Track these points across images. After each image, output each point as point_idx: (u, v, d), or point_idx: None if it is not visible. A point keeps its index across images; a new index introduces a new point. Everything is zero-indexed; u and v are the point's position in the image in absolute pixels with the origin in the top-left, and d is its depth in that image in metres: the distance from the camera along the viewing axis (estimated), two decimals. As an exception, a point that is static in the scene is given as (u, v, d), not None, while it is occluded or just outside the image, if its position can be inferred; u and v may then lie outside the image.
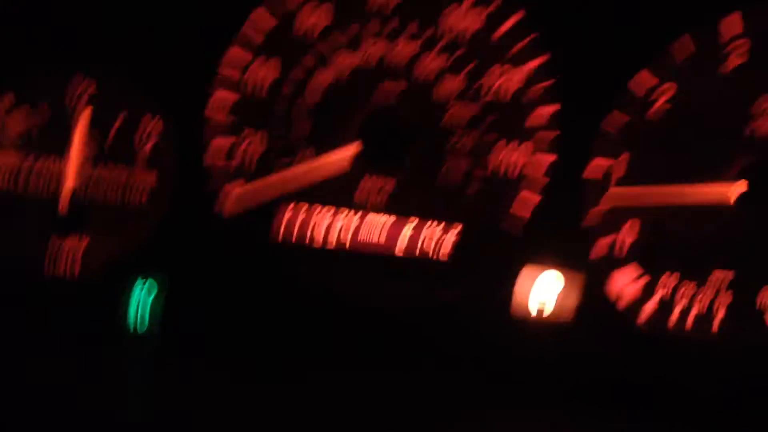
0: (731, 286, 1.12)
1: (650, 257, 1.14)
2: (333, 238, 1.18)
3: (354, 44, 1.17)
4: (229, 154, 1.20)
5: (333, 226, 1.19)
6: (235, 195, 1.19)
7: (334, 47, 1.18)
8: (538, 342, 1.14)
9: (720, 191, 1.11)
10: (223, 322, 1.18)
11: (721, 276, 1.12)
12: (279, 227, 1.19)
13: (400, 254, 1.18)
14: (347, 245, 1.19)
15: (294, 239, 1.19)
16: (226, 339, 1.15)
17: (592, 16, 1.14)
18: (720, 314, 1.12)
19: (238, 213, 1.19)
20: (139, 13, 1.20)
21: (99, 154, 1.22)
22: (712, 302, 1.13)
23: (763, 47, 1.11)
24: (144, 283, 1.15)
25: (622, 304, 1.15)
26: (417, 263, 1.18)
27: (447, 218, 1.17)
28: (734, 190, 1.11)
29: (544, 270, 1.16)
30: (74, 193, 1.20)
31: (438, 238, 1.18)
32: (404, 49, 1.16)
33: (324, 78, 1.18)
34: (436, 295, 1.18)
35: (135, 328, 1.13)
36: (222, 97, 1.19)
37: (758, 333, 1.11)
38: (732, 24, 1.12)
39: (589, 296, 1.14)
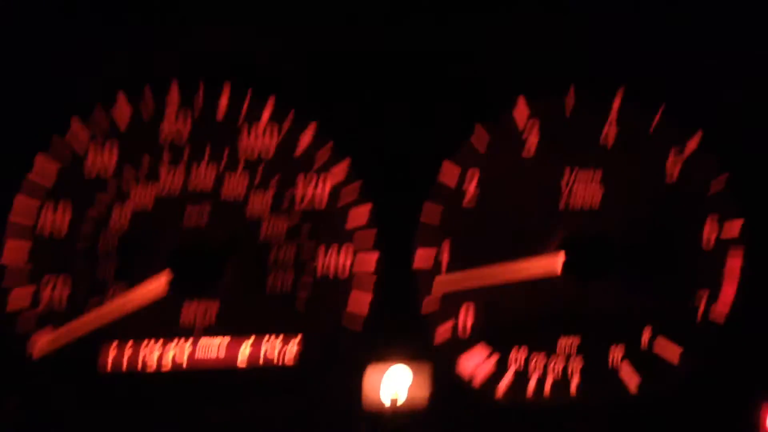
0: (580, 350, 1.19)
1: (495, 335, 1.18)
2: (168, 363, 1.15)
3: (151, 176, 1.12)
4: (33, 302, 1.12)
5: (165, 354, 1.15)
6: (46, 341, 1.11)
7: (130, 181, 1.12)
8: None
9: (546, 263, 1.16)
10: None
11: (568, 342, 1.19)
12: (105, 362, 1.15)
13: (243, 366, 1.15)
14: (184, 365, 1.15)
15: (124, 370, 1.14)
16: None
17: (382, 118, 1.14)
18: (575, 378, 1.20)
19: (54, 356, 1.12)
20: None
21: None
22: (565, 368, 1.20)
23: (552, 127, 1.16)
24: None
25: (477, 382, 1.18)
26: (262, 372, 1.16)
27: (283, 329, 1.16)
28: (559, 260, 1.15)
29: (390, 362, 1.16)
30: None
31: (280, 349, 1.16)
32: (205, 173, 1.13)
33: (124, 212, 1.12)
34: (287, 402, 1.17)
35: None
36: (15, 246, 1.10)
37: (615, 391, 1.19)
38: (520, 108, 1.16)
39: (441, 380, 1.16)
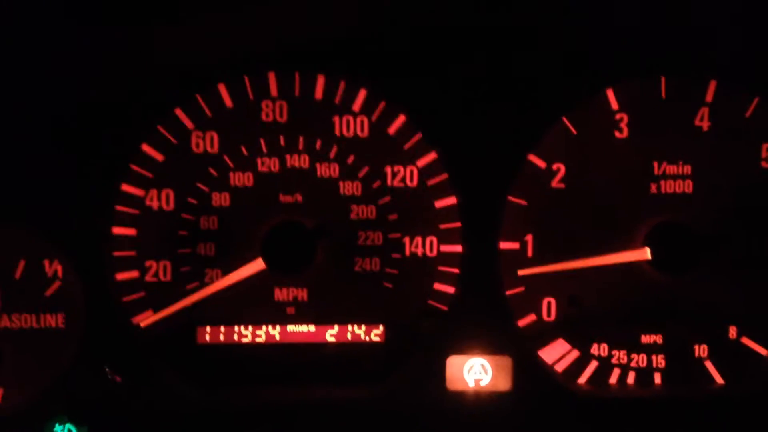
0: (662, 348, 1.19)
1: (579, 321, 1.19)
2: (262, 335, 1.21)
3: (246, 164, 1.17)
4: (136, 287, 1.18)
5: (259, 328, 1.21)
6: (152, 312, 1.19)
7: (227, 169, 1.17)
8: (479, 414, 1.18)
9: (634, 255, 1.16)
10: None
11: (650, 339, 1.19)
12: (203, 334, 1.21)
13: (333, 340, 1.20)
14: (277, 338, 1.21)
15: (221, 341, 1.21)
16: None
17: (471, 110, 1.15)
18: (660, 367, 1.20)
19: (158, 326, 1.19)
20: (27, 163, 1.16)
21: (3, 304, 1.18)
22: (648, 364, 1.20)
23: (644, 112, 1.15)
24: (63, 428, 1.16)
25: (561, 367, 1.20)
26: (351, 348, 1.20)
27: (371, 311, 1.20)
28: (647, 253, 1.15)
29: (475, 344, 1.18)
30: None
31: (366, 330, 1.20)
32: (298, 162, 1.17)
33: (221, 199, 1.17)
34: (373, 379, 1.20)
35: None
36: (121, 233, 1.17)
37: (697, 388, 1.19)
38: (613, 93, 1.16)
39: (525, 363, 1.18)
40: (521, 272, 1.17)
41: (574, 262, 1.16)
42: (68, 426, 1.15)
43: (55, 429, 1.16)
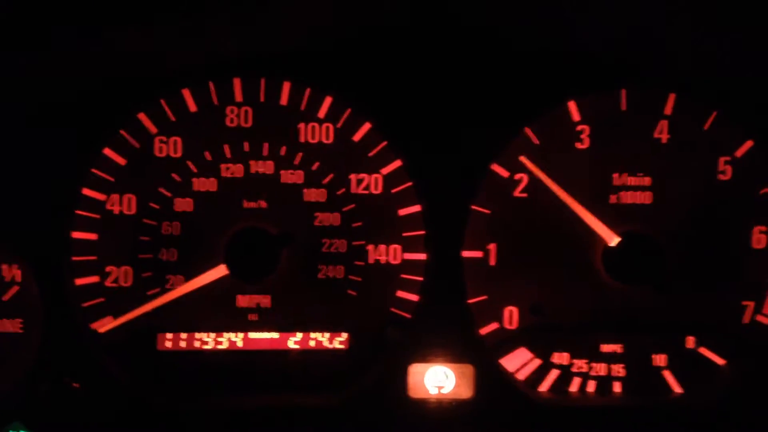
0: (622, 357, 1.21)
1: (536, 340, 1.21)
2: (224, 342, 1.20)
3: (210, 170, 1.17)
4: (95, 292, 1.17)
5: (221, 335, 1.21)
6: (111, 317, 1.17)
7: (190, 174, 1.17)
8: (440, 421, 1.19)
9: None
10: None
11: (610, 349, 1.21)
12: (164, 341, 1.20)
13: (295, 347, 1.20)
14: (239, 344, 1.20)
15: (181, 348, 1.20)
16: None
17: (435, 119, 1.16)
18: (620, 376, 1.22)
19: (117, 332, 1.17)
20: None
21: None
22: (608, 371, 1.21)
23: (605, 124, 1.18)
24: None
25: (522, 375, 1.21)
26: (313, 355, 1.20)
27: (334, 317, 1.20)
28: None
29: (438, 352, 1.19)
30: None
31: (329, 338, 1.21)
32: (262, 168, 1.17)
33: (184, 205, 1.17)
34: (335, 387, 1.20)
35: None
36: (81, 237, 1.16)
37: (656, 396, 1.21)
38: (569, 112, 1.18)
39: (487, 371, 1.19)
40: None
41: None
42: (22, 432, 1.13)
43: (9, 437, 1.13)
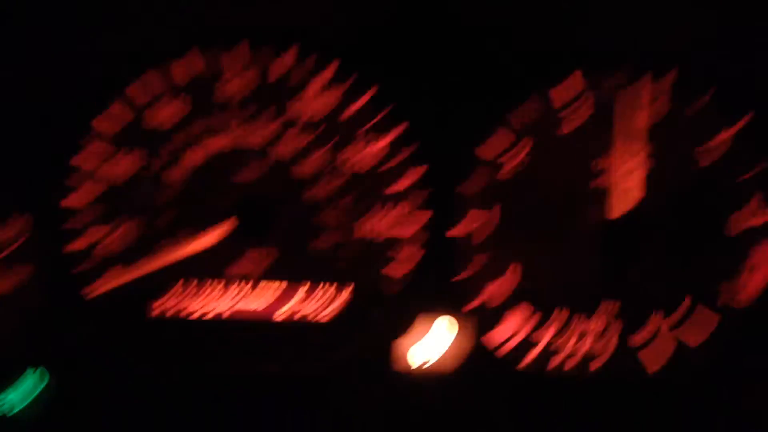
0: (602, 335, 1.22)
1: (528, 304, 1.22)
2: (209, 312, 1.21)
3: (211, 131, 1.18)
4: (93, 247, 1.19)
5: (218, 299, 1.22)
6: (107, 282, 1.19)
7: (192, 134, 1.18)
8: (424, 394, 1.21)
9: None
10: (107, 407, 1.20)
11: (591, 327, 1.22)
12: (151, 308, 1.22)
13: (279, 320, 1.21)
14: (225, 315, 1.21)
15: (168, 316, 1.22)
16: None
17: (443, 84, 1.17)
18: (600, 353, 1.22)
19: (112, 296, 1.19)
20: None
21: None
22: (589, 348, 1.22)
23: (599, 102, 1.18)
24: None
25: (505, 349, 1.23)
26: (297, 327, 1.21)
27: (319, 293, 1.22)
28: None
29: (424, 323, 1.21)
30: None
31: (316, 308, 1.21)
32: (261, 132, 1.18)
33: (186, 164, 1.19)
34: (317, 358, 1.22)
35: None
36: (86, 190, 1.19)
37: (636, 371, 1.22)
38: (570, 81, 1.18)
39: (472, 345, 1.21)
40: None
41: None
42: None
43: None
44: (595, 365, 1.22)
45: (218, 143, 1.18)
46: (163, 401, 1.19)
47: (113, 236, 1.19)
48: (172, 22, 1.14)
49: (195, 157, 1.19)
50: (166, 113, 1.18)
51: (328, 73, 1.18)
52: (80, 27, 1.09)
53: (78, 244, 1.19)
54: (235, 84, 1.18)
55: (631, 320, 1.22)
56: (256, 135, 1.18)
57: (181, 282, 1.21)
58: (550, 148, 1.19)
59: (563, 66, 1.18)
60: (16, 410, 1.17)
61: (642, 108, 1.19)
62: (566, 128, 1.20)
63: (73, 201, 1.18)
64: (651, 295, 1.21)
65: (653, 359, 1.22)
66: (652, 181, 1.20)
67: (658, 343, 1.22)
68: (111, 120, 1.17)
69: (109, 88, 1.17)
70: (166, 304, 1.21)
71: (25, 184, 1.18)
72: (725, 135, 1.19)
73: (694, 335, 1.22)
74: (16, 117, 1.16)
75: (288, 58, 1.17)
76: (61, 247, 1.18)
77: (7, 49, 1.10)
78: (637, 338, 1.22)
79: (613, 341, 1.22)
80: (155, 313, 1.21)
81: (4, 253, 1.19)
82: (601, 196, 1.20)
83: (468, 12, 1.17)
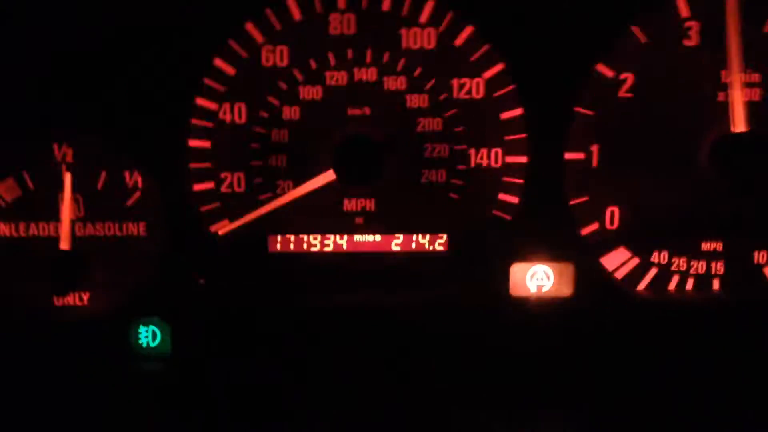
0: (722, 254, 1.21)
1: (636, 239, 1.22)
2: (330, 245, 1.26)
3: (315, 77, 1.20)
4: (212, 197, 1.24)
5: (327, 237, 1.26)
6: (228, 221, 1.24)
7: (296, 83, 1.20)
8: (541, 319, 1.23)
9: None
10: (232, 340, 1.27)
11: (709, 247, 1.21)
12: (275, 243, 1.27)
13: (398, 249, 1.25)
14: (345, 247, 1.26)
15: (291, 250, 1.26)
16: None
17: (538, 20, 1.16)
18: (719, 273, 1.23)
19: (233, 235, 1.25)
20: (104, 78, 1.20)
21: (87, 214, 1.26)
22: (707, 270, 1.22)
23: (710, 26, 1.15)
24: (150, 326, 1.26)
25: (621, 274, 1.23)
26: (415, 258, 1.25)
27: (437, 220, 1.24)
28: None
29: (538, 252, 1.23)
30: (69, 254, 1.26)
31: (431, 239, 1.25)
32: (365, 75, 1.20)
33: (291, 113, 1.21)
34: (438, 287, 1.25)
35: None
36: (197, 145, 1.22)
37: (759, 289, 1.21)
38: (677, 7, 1.15)
39: (586, 270, 1.22)
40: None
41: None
42: (152, 327, 1.23)
43: (139, 330, 1.23)
44: (717, 284, 1.20)
45: (333, 78, 1.20)
46: (286, 336, 1.25)
47: (236, 175, 1.23)
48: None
49: (312, 93, 1.21)
50: (270, 63, 1.20)
51: (426, 12, 1.18)
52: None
53: (205, 184, 1.23)
54: (341, 25, 1.19)
55: (757, 237, 1.20)
56: (367, 74, 1.19)
57: (300, 217, 1.24)
58: (663, 66, 1.16)
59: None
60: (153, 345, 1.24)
61: (766, 18, 1.14)
62: (681, 44, 1.16)
63: (197, 141, 1.22)
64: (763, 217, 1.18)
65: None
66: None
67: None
68: (230, 58, 1.19)
69: (227, 27, 1.19)
70: (287, 239, 1.25)
71: (152, 127, 1.22)
72: None
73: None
74: (143, 57, 1.19)
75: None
76: (190, 187, 1.23)
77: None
78: (763, 255, 1.19)
79: (738, 260, 1.21)
80: (278, 247, 1.25)
81: (134, 198, 1.24)
82: (724, 110, 1.16)
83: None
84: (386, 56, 1.19)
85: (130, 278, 1.25)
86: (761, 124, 1.15)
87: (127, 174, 1.24)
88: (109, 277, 1.26)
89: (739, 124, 1.13)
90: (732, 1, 1.12)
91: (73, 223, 1.24)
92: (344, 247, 1.25)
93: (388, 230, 1.24)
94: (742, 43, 1.12)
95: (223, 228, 1.23)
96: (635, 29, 1.15)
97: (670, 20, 1.15)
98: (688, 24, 1.15)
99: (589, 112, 1.18)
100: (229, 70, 1.19)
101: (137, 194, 1.25)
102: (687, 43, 1.16)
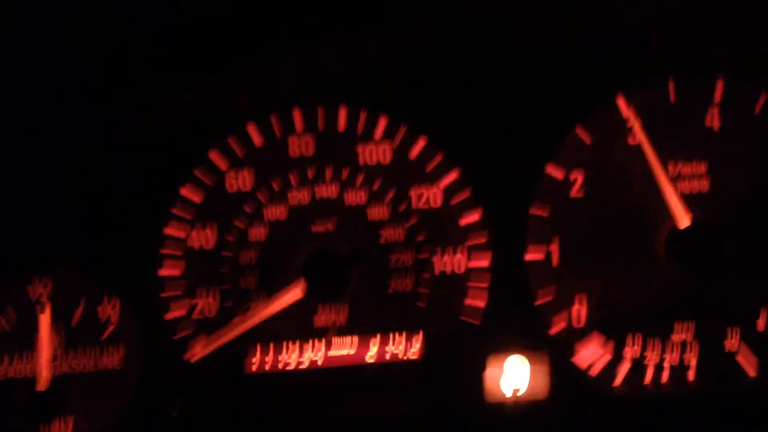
0: (695, 336, 1.22)
1: (609, 324, 1.22)
2: (305, 362, 1.26)
3: (280, 198, 1.23)
4: (184, 325, 1.25)
5: (302, 354, 1.26)
6: (200, 346, 1.24)
7: (262, 205, 1.23)
8: (518, 423, 1.22)
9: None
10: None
11: (683, 328, 1.21)
12: (250, 364, 1.26)
13: (372, 361, 1.25)
14: (320, 363, 1.25)
15: (267, 370, 1.26)
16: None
17: (487, 128, 1.21)
18: (693, 365, 1.22)
19: (207, 360, 1.24)
20: (79, 212, 1.23)
21: (67, 342, 1.26)
22: (682, 355, 1.22)
23: (655, 116, 1.19)
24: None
25: (595, 371, 1.22)
26: (389, 368, 1.25)
27: (407, 327, 1.25)
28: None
29: (509, 353, 1.22)
30: (50, 383, 1.24)
31: (404, 346, 1.25)
32: (327, 192, 1.23)
33: (258, 234, 1.24)
34: (412, 396, 1.25)
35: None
36: (170, 267, 1.24)
37: (734, 376, 1.21)
38: (618, 106, 1.20)
39: (559, 370, 1.21)
40: None
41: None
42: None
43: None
44: (692, 375, 1.20)
45: (296, 198, 1.23)
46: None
47: (206, 303, 1.24)
48: (242, 91, 1.20)
49: (277, 214, 1.24)
50: (236, 187, 1.23)
51: (380, 128, 1.23)
52: (169, 103, 1.17)
53: (175, 312, 1.24)
54: (300, 146, 1.23)
55: (725, 325, 1.21)
56: (328, 191, 1.23)
57: (274, 336, 1.25)
58: (610, 165, 1.21)
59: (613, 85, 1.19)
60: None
61: (708, 112, 1.19)
62: (626, 143, 1.21)
63: (167, 270, 1.24)
64: (744, 297, 1.20)
65: (752, 360, 1.19)
66: (726, 183, 1.19)
67: (756, 346, 1.20)
68: (196, 186, 1.23)
69: (192, 157, 1.23)
70: (262, 360, 1.25)
71: (120, 258, 1.23)
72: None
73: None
74: (113, 191, 1.23)
75: (341, 117, 1.22)
76: (161, 316, 1.24)
77: (90, 126, 1.18)
78: (733, 344, 1.19)
79: (709, 349, 1.21)
80: (253, 368, 1.25)
81: (108, 331, 1.25)
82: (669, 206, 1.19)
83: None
84: (345, 173, 1.23)
85: (109, 412, 1.24)
86: (710, 214, 1.19)
87: (101, 308, 1.25)
88: (89, 412, 1.24)
89: (681, 220, 1.16)
90: (638, 125, 1.18)
91: (52, 352, 1.23)
92: (319, 363, 1.25)
93: (360, 343, 1.24)
94: (657, 155, 1.18)
95: (195, 355, 1.23)
96: (580, 131, 1.20)
97: (613, 120, 1.19)
98: (630, 123, 1.19)
99: (545, 213, 1.21)
100: (195, 198, 1.23)
101: (112, 327, 1.25)
102: (631, 140, 1.20)
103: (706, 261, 1.18)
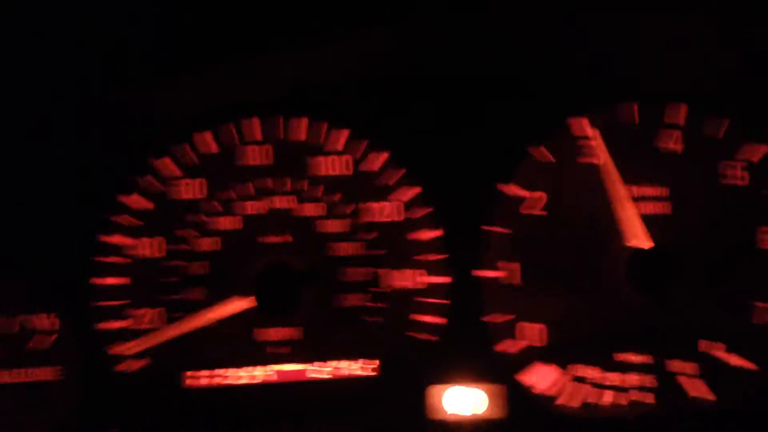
0: (653, 368, 1.21)
1: (567, 344, 1.21)
2: (245, 378, 1.22)
3: (234, 208, 1.20)
4: (127, 335, 1.20)
5: (244, 370, 1.22)
6: (129, 347, 1.19)
7: (216, 213, 1.20)
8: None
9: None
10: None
11: (640, 360, 1.21)
12: (187, 378, 1.22)
13: (321, 377, 1.22)
14: (264, 379, 1.22)
15: (203, 385, 1.22)
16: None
17: (449, 145, 1.20)
18: (651, 386, 1.22)
19: (144, 373, 1.20)
20: (15, 218, 1.19)
21: (3, 353, 1.21)
22: (640, 383, 1.21)
23: (615, 139, 1.19)
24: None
25: (552, 393, 1.22)
26: (339, 384, 1.21)
27: (359, 345, 1.22)
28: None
29: (465, 375, 1.21)
30: None
31: (356, 363, 1.22)
32: (284, 203, 1.20)
33: (210, 244, 1.19)
34: (362, 414, 1.21)
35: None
36: (113, 276, 1.19)
37: (691, 400, 1.20)
38: (582, 127, 1.20)
39: (517, 392, 1.20)
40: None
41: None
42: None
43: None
44: (650, 398, 1.19)
45: (251, 209, 1.20)
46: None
47: (152, 312, 1.20)
48: (198, 98, 1.17)
49: (229, 224, 1.20)
50: (187, 197, 1.19)
51: (341, 140, 1.20)
52: (107, 102, 1.12)
53: (116, 323, 1.19)
54: (258, 157, 1.20)
55: (685, 349, 1.20)
56: (284, 205, 1.20)
57: (216, 351, 1.21)
58: (569, 185, 1.20)
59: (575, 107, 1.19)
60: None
61: (664, 135, 1.19)
62: (594, 162, 1.20)
63: (104, 278, 1.19)
64: (702, 323, 1.20)
65: (708, 386, 1.19)
66: (688, 206, 1.19)
67: (713, 370, 1.19)
68: (146, 193, 1.19)
69: (136, 163, 1.19)
70: (199, 374, 1.21)
71: (56, 265, 1.19)
72: (757, 155, 1.18)
73: (744, 361, 1.19)
74: (45, 193, 1.18)
75: (302, 129, 1.20)
76: (95, 326, 1.19)
77: (34, 127, 1.13)
78: (688, 366, 1.19)
79: (665, 371, 1.21)
80: (189, 383, 1.20)
81: (49, 341, 1.20)
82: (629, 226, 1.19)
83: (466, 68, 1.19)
84: (304, 184, 1.20)
85: (46, 426, 1.18)
86: (671, 237, 1.18)
87: (39, 320, 1.20)
88: (23, 425, 1.19)
89: (641, 242, 1.16)
90: (601, 145, 1.18)
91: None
92: (263, 378, 1.21)
93: (309, 358, 1.21)
94: (617, 172, 1.18)
95: (123, 352, 1.18)
96: (543, 150, 1.19)
97: (576, 141, 1.19)
98: (593, 143, 1.19)
99: (506, 231, 1.19)
100: (147, 204, 1.18)
101: (52, 338, 1.20)
102: (594, 161, 1.19)
103: (665, 284, 1.18)
